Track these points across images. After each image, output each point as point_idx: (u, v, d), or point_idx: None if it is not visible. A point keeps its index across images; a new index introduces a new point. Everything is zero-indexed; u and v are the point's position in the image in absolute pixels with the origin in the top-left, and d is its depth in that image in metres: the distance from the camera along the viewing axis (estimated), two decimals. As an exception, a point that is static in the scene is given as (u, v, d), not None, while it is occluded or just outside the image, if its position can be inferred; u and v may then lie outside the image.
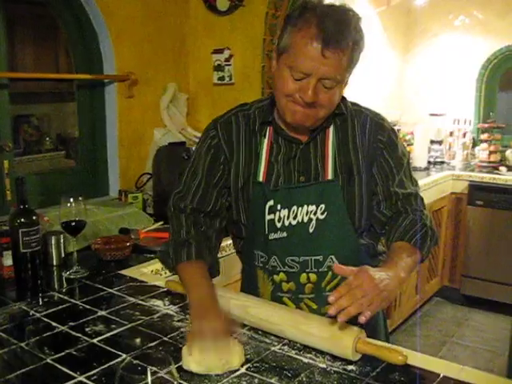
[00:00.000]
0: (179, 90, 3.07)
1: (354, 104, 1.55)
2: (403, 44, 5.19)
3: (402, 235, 1.45)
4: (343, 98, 1.50)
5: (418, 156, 4.60)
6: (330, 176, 1.46)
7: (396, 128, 4.77)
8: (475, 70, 4.93)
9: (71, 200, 1.80)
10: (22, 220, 1.68)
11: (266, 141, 1.50)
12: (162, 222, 2.48)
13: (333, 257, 1.45)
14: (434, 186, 4.11)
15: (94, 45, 2.78)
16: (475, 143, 4.91)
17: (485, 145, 4.68)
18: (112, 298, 1.63)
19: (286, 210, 1.45)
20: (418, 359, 1.24)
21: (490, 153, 4.63)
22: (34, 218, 1.71)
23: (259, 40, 2.87)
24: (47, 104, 3.25)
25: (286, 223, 1.46)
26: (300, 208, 1.45)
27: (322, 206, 1.44)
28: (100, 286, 1.73)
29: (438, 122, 4.85)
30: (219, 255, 1.88)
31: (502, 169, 4.41)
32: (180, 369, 1.17)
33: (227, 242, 2.04)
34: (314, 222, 1.45)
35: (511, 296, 4.14)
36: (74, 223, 1.82)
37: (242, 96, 2.99)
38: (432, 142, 4.79)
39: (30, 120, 3.21)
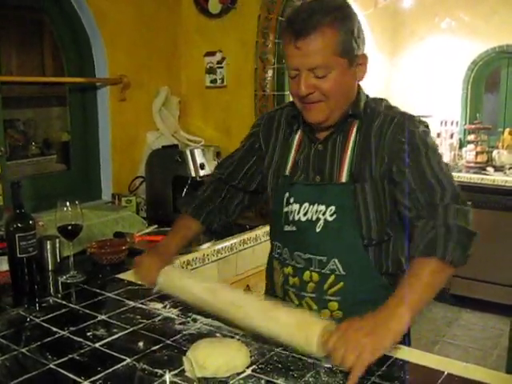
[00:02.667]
0: (171, 93, 3.06)
1: (388, 108, 1.49)
2: (390, 46, 5.23)
3: (411, 250, 1.31)
4: (368, 101, 1.49)
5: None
6: (344, 179, 1.44)
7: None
8: (461, 71, 4.98)
9: (67, 204, 1.80)
10: (19, 225, 1.67)
11: (296, 137, 1.56)
12: (156, 226, 2.48)
13: (336, 260, 1.44)
14: (423, 187, 4.13)
15: (87, 48, 2.77)
16: (462, 144, 4.95)
17: (472, 146, 4.73)
18: (111, 302, 1.63)
19: (298, 205, 1.49)
20: (422, 357, 1.25)
21: (477, 154, 4.68)
22: (31, 222, 1.70)
23: (252, 43, 2.87)
24: (32, 109, 3.23)
25: (296, 218, 1.49)
26: (311, 206, 1.47)
27: (332, 207, 1.44)
28: (98, 291, 1.72)
29: (425, 123, 4.88)
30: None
31: (490, 169, 4.46)
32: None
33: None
34: (321, 221, 1.45)
35: (499, 295, 4.18)
36: (70, 227, 1.81)
37: (235, 99, 2.99)
38: (420, 143, 4.82)
39: (16, 125, 3.19)
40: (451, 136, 4.91)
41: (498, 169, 4.48)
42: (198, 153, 2.65)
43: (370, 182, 1.42)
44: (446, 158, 4.82)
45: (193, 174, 2.60)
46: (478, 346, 3.78)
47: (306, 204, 1.47)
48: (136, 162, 2.92)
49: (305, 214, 1.47)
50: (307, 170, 1.50)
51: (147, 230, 2.41)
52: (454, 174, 4.18)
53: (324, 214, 1.45)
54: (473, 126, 4.80)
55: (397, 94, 5.22)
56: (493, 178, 4.30)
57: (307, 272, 1.48)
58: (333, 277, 1.45)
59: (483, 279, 4.30)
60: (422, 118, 1.47)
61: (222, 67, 2.98)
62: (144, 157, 2.85)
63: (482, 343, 3.82)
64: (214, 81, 3.03)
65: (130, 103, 2.88)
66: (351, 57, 1.38)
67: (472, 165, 4.64)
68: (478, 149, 4.69)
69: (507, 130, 4.68)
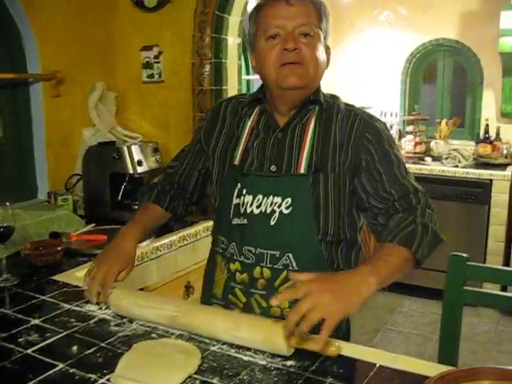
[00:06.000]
0: (108, 89, 3.00)
1: (348, 105, 1.53)
2: (331, 38, 5.24)
3: (387, 236, 1.34)
4: (325, 94, 1.52)
5: (348, 149, 4.69)
6: (302, 170, 1.43)
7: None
8: (400, 63, 5.09)
9: (-3, 205, 1.75)
10: None
11: (248, 123, 1.52)
12: (93, 224, 2.44)
13: (290, 255, 1.43)
14: (363, 178, 4.20)
15: (17, 43, 2.68)
16: (401, 135, 5.06)
17: (410, 136, 4.85)
18: (45, 306, 1.58)
19: (251, 197, 1.45)
20: (354, 350, 1.27)
21: (416, 144, 4.80)
22: (-42, 226, 1.65)
23: (188, 37, 2.84)
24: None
25: (248, 210, 1.45)
26: (265, 198, 1.43)
27: (289, 200, 1.42)
28: (32, 294, 1.67)
29: (365, 114, 4.96)
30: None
31: (427, 159, 4.58)
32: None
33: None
34: (276, 214, 1.42)
35: (437, 281, 4.30)
36: (1, 229, 1.76)
37: (172, 93, 2.96)
38: (360, 134, 4.89)
39: None
40: (391, 127, 5.00)
41: (436, 158, 4.61)
42: (135, 149, 2.62)
43: (333, 175, 1.43)
44: (386, 148, 4.90)
45: (130, 171, 2.56)
46: (419, 332, 3.90)
47: (260, 196, 1.44)
48: (72, 159, 2.85)
49: (258, 207, 1.44)
50: (261, 158, 1.47)
51: (84, 229, 2.36)
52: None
53: (280, 206, 1.42)
54: (411, 117, 4.92)
55: (339, 85, 5.28)
56: (431, 167, 4.42)
57: (258, 268, 1.45)
58: (285, 273, 1.43)
59: (422, 266, 4.40)
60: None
61: (158, 62, 2.94)
62: (80, 154, 2.79)
63: (422, 329, 3.95)
64: (151, 76, 2.98)
65: (65, 99, 2.80)
66: (325, 36, 1.46)
67: (411, 155, 4.76)
68: (417, 139, 4.82)
69: (444, 120, 4.82)
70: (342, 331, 1.52)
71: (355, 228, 1.52)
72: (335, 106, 1.50)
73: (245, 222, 1.45)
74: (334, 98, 1.54)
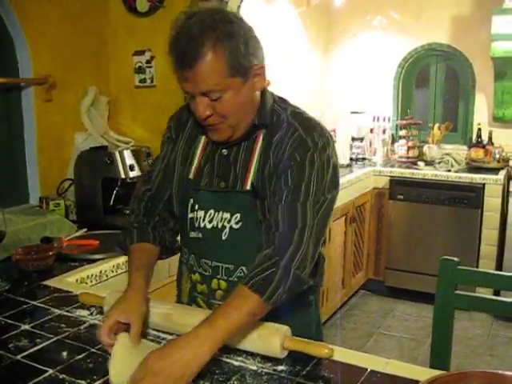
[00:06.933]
0: (100, 93, 2.99)
1: (294, 114, 1.43)
2: (324, 43, 5.30)
3: (246, 275, 1.29)
4: (275, 107, 1.44)
5: (341, 153, 4.70)
6: (248, 186, 1.41)
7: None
8: (393, 68, 5.11)
9: (-12, 210, 1.74)
10: None
11: (203, 138, 1.50)
12: (85, 229, 2.43)
13: (243, 268, 1.41)
14: (356, 182, 4.22)
15: (9, 47, 2.67)
16: (394, 139, 5.08)
17: (403, 141, 4.86)
18: (36, 311, 1.58)
19: (203, 212, 1.46)
20: (346, 355, 1.28)
21: (409, 148, 4.82)
22: (-51, 230, 1.64)
23: (180, 41, 2.84)
24: None
25: (202, 225, 1.46)
26: (216, 213, 1.44)
27: (237, 215, 1.41)
28: (22, 299, 1.66)
29: (358, 119, 4.98)
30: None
31: (420, 163, 4.59)
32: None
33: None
34: (227, 229, 1.43)
35: (431, 285, 4.30)
36: (-8, 234, 1.76)
37: (164, 98, 2.96)
38: (353, 139, 4.90)
39: None
40: (384, 131, 5.02)
41: (429, 163, 4.63)
42: (127, 154, 2.61)
43: (269, 195, 1.39)
44: (380, 153, 4.92)
45: (122, 176, 2.55)
46: (412, 336, 3.90)
47: (212, 211, 1.44)
48: (64, 164, 2.84)
49: (210, 222, 1.44)
50: (211, 175, 1.46)
51: (76, 234, 2.36)
52: (387, 169, 4.32)
53: (229, 221, 1.42)
54: (404, 122, 4.93)
55: (331, 90, 5.31)
56: (423, 172, 4.43)
57: (215, 280, 1.46)
58: None
59: (415, 271, 4.43)
60: (325, 131, 1.42)
61: (151, 66, 2.94)
62: (72, 158, 2.78)
63: (415, 333, 3.95)
64: (143, 80, 2.98)
65: (57, 104, 2.80)
66: (243, 73, 1.31)
67: (404, 159, 4.77)
68: (410, 144, 4.83)
69: (436, 125, 4.83)
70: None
71: None
72: (280, 121, 1.41)
73: (200, 235, 1.47)
74: (283, 107, 1.45)
